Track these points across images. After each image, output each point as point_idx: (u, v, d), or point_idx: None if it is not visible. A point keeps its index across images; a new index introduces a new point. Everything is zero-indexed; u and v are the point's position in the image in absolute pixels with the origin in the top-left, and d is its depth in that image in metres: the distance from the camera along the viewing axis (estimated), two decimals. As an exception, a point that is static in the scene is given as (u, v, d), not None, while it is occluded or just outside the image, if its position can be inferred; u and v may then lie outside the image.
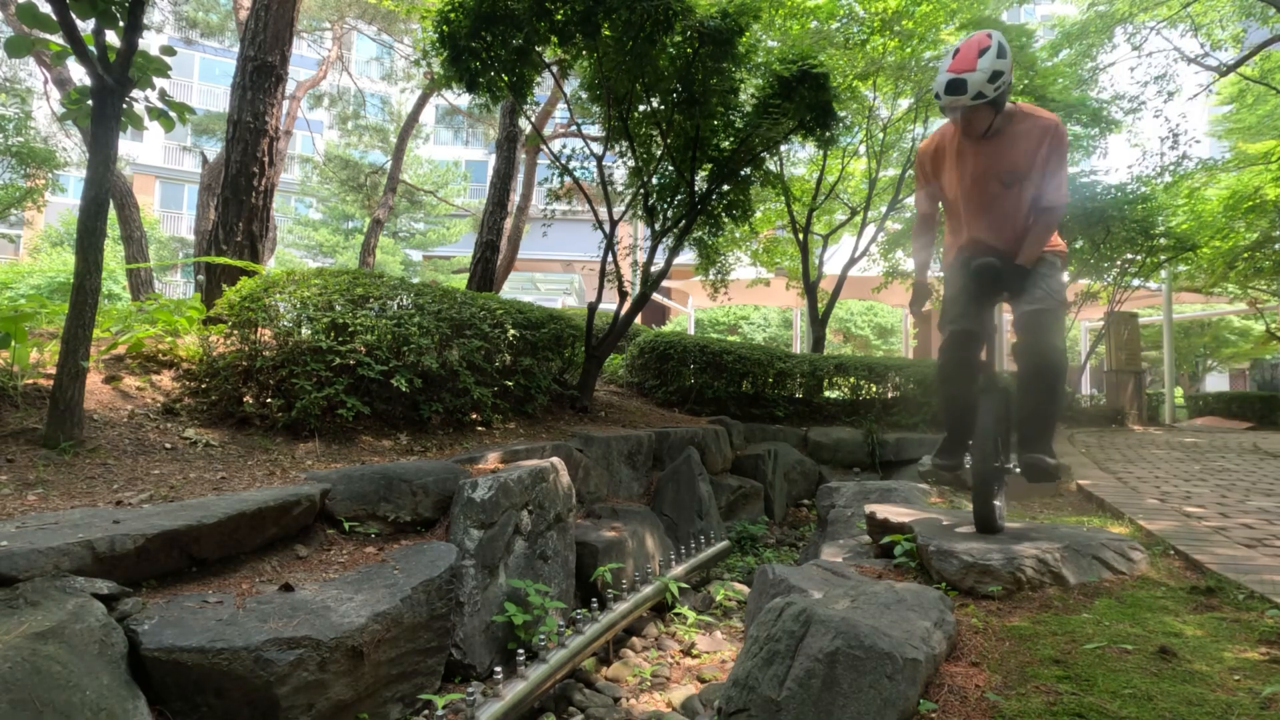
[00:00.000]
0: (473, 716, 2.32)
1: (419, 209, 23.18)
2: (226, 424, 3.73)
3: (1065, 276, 2.78)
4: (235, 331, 3.97)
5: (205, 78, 29.48)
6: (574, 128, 8.28)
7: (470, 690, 2.42)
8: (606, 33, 5.14)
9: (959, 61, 2.46)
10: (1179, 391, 18.39)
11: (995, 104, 2.52)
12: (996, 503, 2.73)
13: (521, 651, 2.82)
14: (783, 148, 8.42)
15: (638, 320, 7.75)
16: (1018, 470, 2.70)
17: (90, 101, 3.16)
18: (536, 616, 3.09)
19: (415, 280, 5.96)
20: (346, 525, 2.97)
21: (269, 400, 3.84)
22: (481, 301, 4.87)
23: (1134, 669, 1.71)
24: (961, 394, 2.75)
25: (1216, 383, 25.77)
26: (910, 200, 12.26)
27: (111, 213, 7.26)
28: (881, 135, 10.38)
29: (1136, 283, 11.91)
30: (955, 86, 2.46)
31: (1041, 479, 2.61)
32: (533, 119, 7.12)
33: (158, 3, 13.10)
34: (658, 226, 6.20)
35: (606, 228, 5.98)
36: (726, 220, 6.54)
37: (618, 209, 6.27)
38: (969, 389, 2.73)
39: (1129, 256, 11.11)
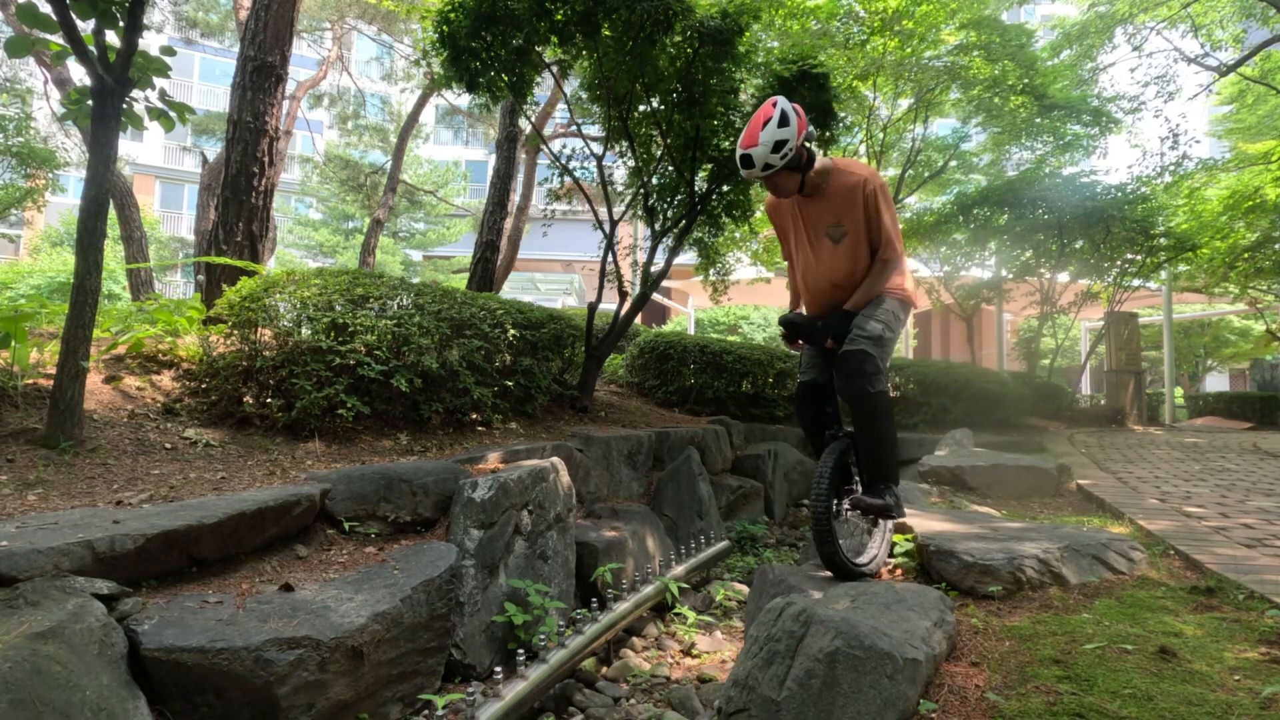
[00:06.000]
0: (473, 716, 2.32)
1: (419, 209, 23.18)
2: (226, 424, 3.73)
3: (902, 317, 2.75)
4: (235, 331, 3.96)
5: (205, 78, 29.51)
6: (574, 128, 8.27)
7: (470, 690, 2.42)
8: (606, 33, 5.14)
9: (745, 138, 2.55)
10: (1179, 391, 18.41)
11: (793, 168, 2.58)
12: (842, 542, 2.64)
13: (521, 651, 2.82)
14: (783, 148, 8.39)
15: (638, 320, 7.75)
16: (849, 509, 2.76)
17: (90, 101, 3.16)
18: (536, 616, 3.09)
19: (415, 280, 5.96)
20: (346, 525, 2.97)
21: (269, 400, 3.84)
22: (481, 301, 4.87)
23: (1134, 669, 1.71)
24: (816, 440, 2.86)
25: (1216, 383, 25.79)
26: (910, 200, 12.28)
27: (111, 213, 7.26)
28: (881, 135, 10.38)
29: (1136, 283, 11.91)
30: (745, 161, 2.56)
31: (871, 513, 2.67)
32: (533, 119, 7.12)
33: (158, 3, 13.10)
34: (658, 226, 6.20)
35: (606, 228, 5.98)
36: (726, 220, 6.54)
37: (618, 209, 6.27)
38: (820, 435, 2.83)
39: (1129, 256, 11.12)
